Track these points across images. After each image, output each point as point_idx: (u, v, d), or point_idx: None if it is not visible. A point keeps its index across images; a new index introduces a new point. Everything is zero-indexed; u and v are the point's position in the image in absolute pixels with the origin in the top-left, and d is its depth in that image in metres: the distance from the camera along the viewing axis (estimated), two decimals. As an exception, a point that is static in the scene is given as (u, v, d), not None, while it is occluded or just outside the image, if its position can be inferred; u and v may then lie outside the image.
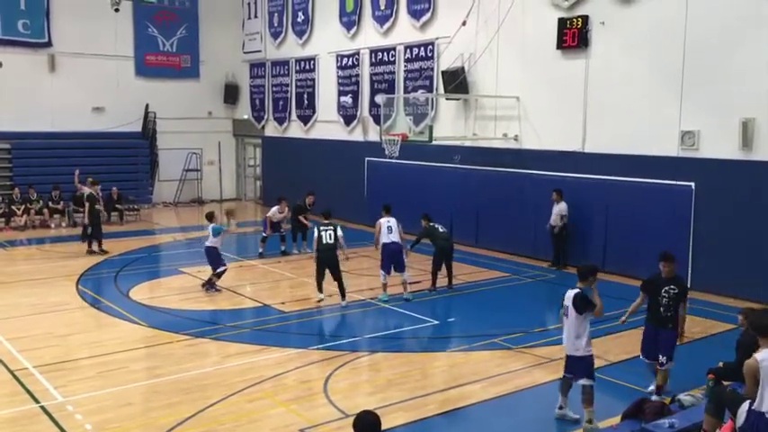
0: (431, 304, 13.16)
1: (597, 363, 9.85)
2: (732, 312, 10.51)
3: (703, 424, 6.83)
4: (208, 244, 14.07)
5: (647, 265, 14.64)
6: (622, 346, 10.63)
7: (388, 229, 13.37)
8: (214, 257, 14.00)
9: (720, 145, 13.58)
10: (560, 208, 15.76)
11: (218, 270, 13.92)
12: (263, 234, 17.52)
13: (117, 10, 21.15)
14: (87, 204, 17.68)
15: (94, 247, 17.72)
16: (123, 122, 25.49)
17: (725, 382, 7.62)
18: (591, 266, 8.12)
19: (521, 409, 8.16)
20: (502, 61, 17.64)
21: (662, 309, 8.32)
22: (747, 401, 6.02)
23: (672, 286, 8.33)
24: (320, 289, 13.00)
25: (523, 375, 9.39)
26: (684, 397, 8.21)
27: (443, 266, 14.02)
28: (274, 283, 14.88)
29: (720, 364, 8.25)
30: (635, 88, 14.96)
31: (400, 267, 13.33)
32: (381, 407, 8.14)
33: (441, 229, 14.16)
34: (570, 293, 7.82)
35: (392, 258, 13.25)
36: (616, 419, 7.85)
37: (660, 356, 8.40)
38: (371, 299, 13.47)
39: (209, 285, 13.94)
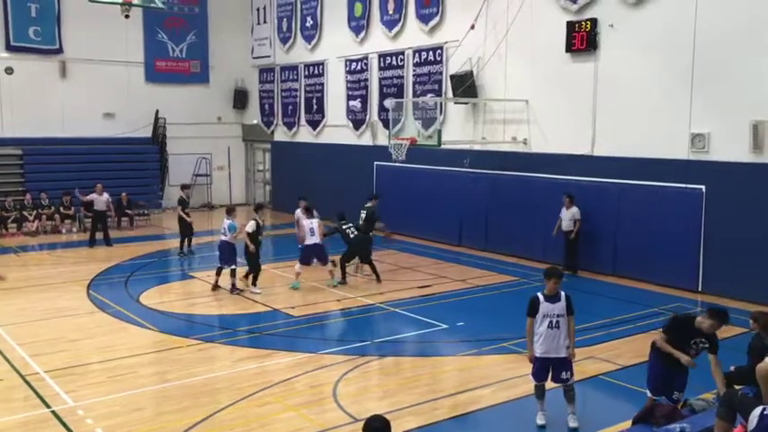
0: (440, 309, 13.14)
1: (608, 367, 9.89)
2: (743, 316, 10.43)
3: (714, 428, 6.78)
4: (224, 239, 14.35)
5: (657, 269, 14.71)
6: (634, 350, 10.58)
7: (311, 231, 14.47)
8: (228, 253, 14.26)
9: (731, 147, 13.51)
10: (572, 212, 15.47)
11: (232, 267, 14.17)
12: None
13: (127, 16, 21.24)
14: (180, 207, 18.52)
15: (184, 248, 18.51)
16: (133, 128, 25.63)
17: (736, 387, 7.57)
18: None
19: (531, 413, 8.13)
20: (510, 65, 17.63)
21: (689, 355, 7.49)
22: (760, 407, 5.97)
23: (703, 339, 7.45)
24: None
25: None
26: (696, 401, 8.15)
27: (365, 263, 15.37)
28: (284, 288, 14.89)
29: (732, 368, 8.20)
30: (644, 91, 14.91)
31: (323, 261, 14.70)
32: (391, 411, 8.13)
33: (351, 235, 15.03)
34: (560, 304, 7.83)
35: (311, 256, 14.63)
36: (627, 424, 7.81)
37: (675, 393, 7.74)
38: (380, 303, 13.48)
39: (234, 288, 14.19)
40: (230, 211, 14.85)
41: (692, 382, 8.82)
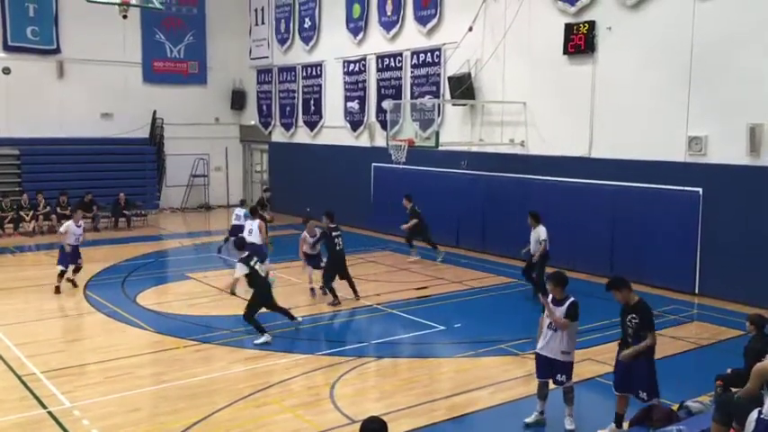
0: (437, 310, 13.14)
1: (605, 369, 9.87)
2: (740, 318, 10.47)
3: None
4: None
5: (653, 271, 14.72)
6: (630, 352, 10.58)
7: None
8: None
9: (728, 150, 13.53)
10: (538, 233, 13.68)
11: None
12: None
13: (125, 17, 21.23)
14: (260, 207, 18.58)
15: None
16: (131, 128, 25.60)
17: (733, 389, 7.58)
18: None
19: (528, 415, 8.13)
20: (508, 67, 17.64)
21: (629, 339, 7.51)
22: (756, 410, 5.96)
23: (633, 315, 7.45)
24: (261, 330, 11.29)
25: (530, 381, 9.31)
26: (692, 403, 8.18)
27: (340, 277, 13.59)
28: (281, 289, 14.85)
29: (729, 370, 8.23)
30: (642, 93, 14.94)
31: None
32: (388, 413, 8.12)
33: (338, 247, 13.45)
34: (561, 308, 7.75)
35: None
36: (624, 426, 7.81)
37: (640, 392, 7.57)
38: (378, 304, 13.47)
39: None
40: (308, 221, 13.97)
41: (687, 385, 8.87)
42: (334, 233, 13.49)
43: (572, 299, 7.85)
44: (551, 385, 8.06)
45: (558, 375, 7.92)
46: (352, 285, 13.77)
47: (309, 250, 14.04)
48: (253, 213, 16.00)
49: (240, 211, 17.37)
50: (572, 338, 7.88)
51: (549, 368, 7.96)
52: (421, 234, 17.61)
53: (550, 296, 7.92)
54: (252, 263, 11.38)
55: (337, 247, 13.48)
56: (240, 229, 16.15)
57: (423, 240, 17.68)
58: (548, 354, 7.89)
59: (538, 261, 13.64)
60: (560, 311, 7.80)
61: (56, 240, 20.73)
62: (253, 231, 15.00)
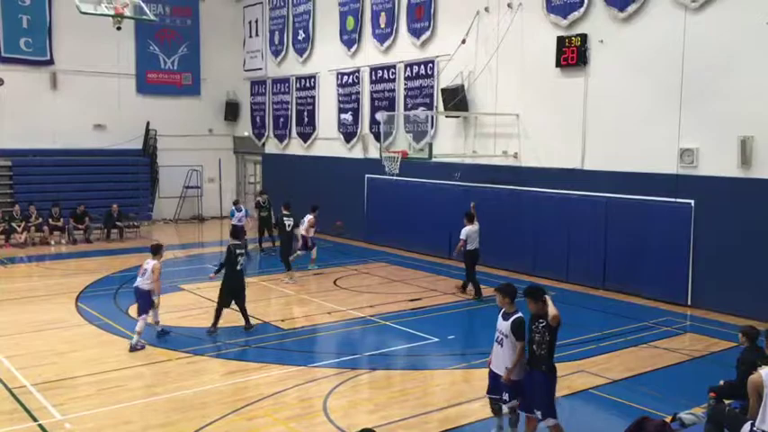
0: (431, 322, 13.12)
1: (598, 381, 9.89)
2: (732, 330, 10.51)
3: (704, 443, 6.80)
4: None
5: (646, 283, 14.76)
6: (623, 363, 10.61)
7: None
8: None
9: (719, 162, 13.61)
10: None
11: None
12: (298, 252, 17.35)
13: (119, 28, 21.20)
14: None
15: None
16: (124, 140, 25.58)
17: (726, 401, 7.60)
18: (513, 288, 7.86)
19: (521, 427, 8.11)
20: (501, 79, 17.73)
21: (534, 346, 7.32)
22: (749, 422, 5.99)
23: (540, 320, 7.31)
24: None
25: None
26: (685, 415, 8.19)
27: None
28: (274, 300, 14.85)
29: (721, 382, 8.26)
30: (634, 106, 15.03)
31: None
32: (381, 425, 8.12)
33: (238, 266, 12.35)
34: (505, 323, 7.55)
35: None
36: (616, 438, 7.82)
37: (535, 411, 7.38)
38: (371, 316, 13.46)
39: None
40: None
41: (680, 396, 8.88)
42: (238, 250, 12.40)
43: (518, 314, 7.55)
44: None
45: (503, 393, 7.69)
46: (244, 314, 12.47)
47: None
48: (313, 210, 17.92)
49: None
50: (516, 355, 7.49)
51: (496, 384, 7.76)
52: (285, 247, 17.00)
53: (514, 318, 7.55)
54: None
55: (238, 266, 12.40)
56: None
57: (283, 256, 16.87)
58: (497, 370, 7.70)
59: (467, 261, 14.95)
60: (504, 326, 7.59)
61: (46, 252, 20.75)
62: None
